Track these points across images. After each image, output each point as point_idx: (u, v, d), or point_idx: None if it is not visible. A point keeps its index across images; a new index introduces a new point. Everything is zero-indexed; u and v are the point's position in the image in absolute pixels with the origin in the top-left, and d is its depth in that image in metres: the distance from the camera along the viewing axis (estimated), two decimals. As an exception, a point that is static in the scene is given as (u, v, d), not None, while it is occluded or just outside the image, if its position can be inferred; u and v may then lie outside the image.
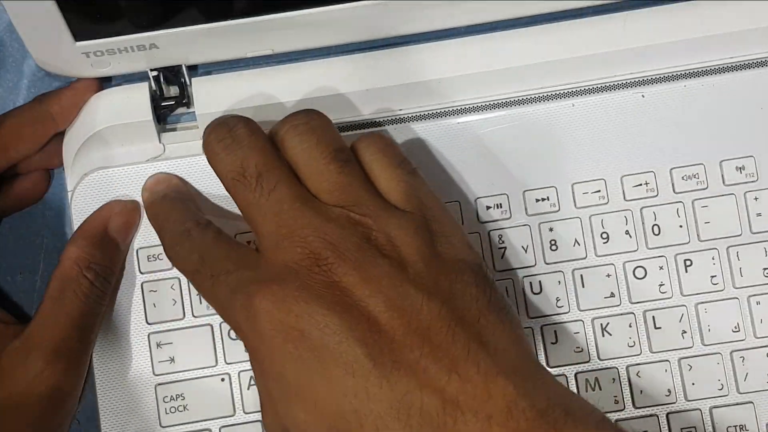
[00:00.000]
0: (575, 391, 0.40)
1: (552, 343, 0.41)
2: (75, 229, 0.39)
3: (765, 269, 0.41)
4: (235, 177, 0.35)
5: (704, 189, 0.41)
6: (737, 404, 0.41)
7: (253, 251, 0.35)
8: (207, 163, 0.37)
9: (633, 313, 0.41)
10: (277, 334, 0.32)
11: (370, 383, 0.31)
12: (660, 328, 0.41)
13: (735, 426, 0.40)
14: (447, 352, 0.31)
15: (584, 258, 0.41)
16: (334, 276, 0.32)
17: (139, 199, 0.41)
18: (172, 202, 0.39)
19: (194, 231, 0.36)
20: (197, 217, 0.37)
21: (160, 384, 0.41)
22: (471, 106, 0.42)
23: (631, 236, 0.41)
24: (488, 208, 0.41)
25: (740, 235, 0.41)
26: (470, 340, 0.32)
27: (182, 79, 0.41)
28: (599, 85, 0.42)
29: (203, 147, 0.37)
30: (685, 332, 0.41)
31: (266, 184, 0.34)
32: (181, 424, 0.40)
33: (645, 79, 0.42)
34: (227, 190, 0.36)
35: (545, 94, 0.42)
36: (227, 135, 0.36)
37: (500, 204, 0.41)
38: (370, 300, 0.32)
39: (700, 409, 0.41)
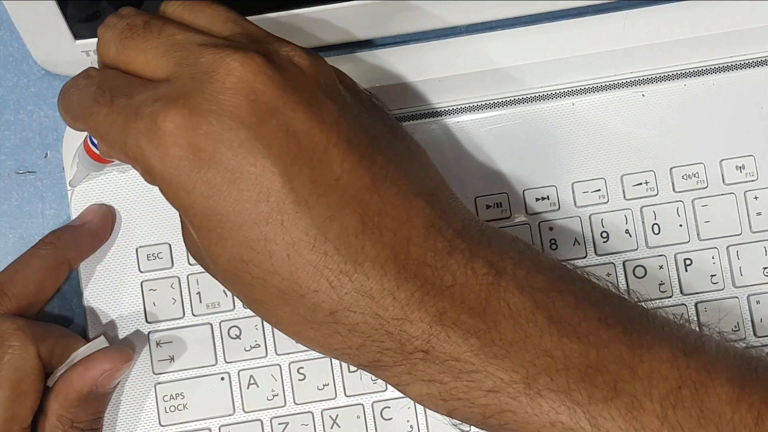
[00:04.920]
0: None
1: (552, 343, 0.41)
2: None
3: (765, 268, 0.41)
4: (124, 35, 0.32)
5: (704, 188, 0.41)
6: (737, 403, 0.40)
7: (157, 80, 0.32)
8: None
9: (633, 313, 0.41)
10: (184, 159, 0.30)
11: (285, 208, 0.29)
12: (660, 327, 0.41)
13: (735, 425, 0.40)
14: (368, 170, 0.31)
15: (584, 257, 0.41)
16: (246, 83, 0.30)
17: (140, 199, 0.41)
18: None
19: (92, 70, 0.34)
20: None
21: (159, 383, 0.41)
22: (471, 105, 0.42)
23: (630, 235, 0.41)
24: (488, 207, 0.41)
25: (740, 234, 0.41)
26: (388, 162, 0.31)
27: (182, 78, 0.41)
28: (599, 85, 0.42)
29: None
30: (685, 331, 0.41)
31: (154, 27, 0.32)
32: (181, 423, 0.40)
33: (645, 78, 0.42)
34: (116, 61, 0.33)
35: (545, 94, 0.42)
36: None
37: (500, 203, 0.41)
38: (288, 107, 0.30)
39: (700, 409, 0.40)
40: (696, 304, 0.41)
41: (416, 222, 0.31)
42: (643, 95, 0.42)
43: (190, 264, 0.41)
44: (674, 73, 0.42)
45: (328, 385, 0.41)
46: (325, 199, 0.30)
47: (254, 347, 0.41)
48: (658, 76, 0.42)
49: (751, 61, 0.42)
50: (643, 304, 0.33)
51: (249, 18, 0.38)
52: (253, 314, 0.40)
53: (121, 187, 0.41)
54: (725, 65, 0.42)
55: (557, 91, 0.42)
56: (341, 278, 0.30)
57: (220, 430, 0.40)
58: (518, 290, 0.31)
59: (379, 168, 0.31)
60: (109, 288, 0.41)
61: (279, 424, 0.40)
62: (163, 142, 0.30)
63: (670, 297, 0.41)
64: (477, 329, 0.30)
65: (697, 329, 0.33)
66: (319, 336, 0.31)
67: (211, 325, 0.41)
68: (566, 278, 0.32)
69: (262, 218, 0.30)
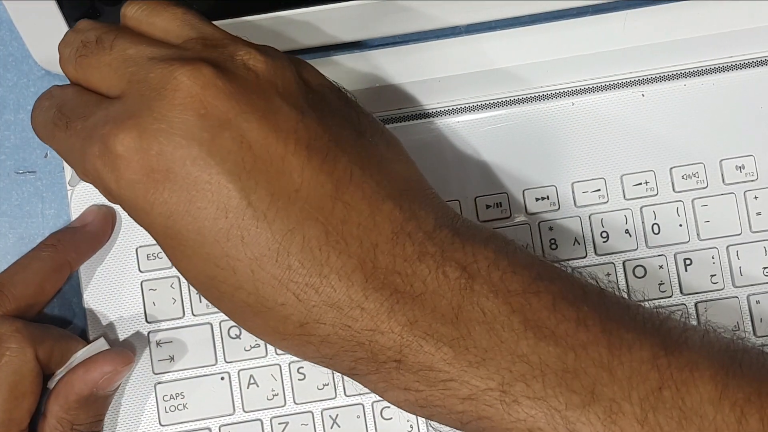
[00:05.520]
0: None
1: (552, 342, 0.41)
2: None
3: (765, 268, 0.41)
4: (79, 52, 0.32)
5: (704, 188, 0.41)
6: (737, 403, 0.40)
7: (112, 97, 0.31)
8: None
9: (633, 312, 0.41)
10: (138, 181, 0.29)
11: (244, 224, 0.29)
12: (660, 327, 0.41)
13: (735, 425, 0.40)
14: (330, 176, 0.30)
15: (584, 257, 0.41)
16: (194, 97, 0.29)
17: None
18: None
19: (55, 89, 0.34)
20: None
21: (159, 383, 0.41)
22: (470, 105, 0.42)
23: (630, 235, 0.41)
24: (488, 207, 0.41)
25: (740, 234, 0.41)
26: (352, 164, 0.30)
27: (182, 78, 0.41)
28: (599, 84, 0.42)
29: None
30: (684, 331, 0.41)
31: (106, 42, 0.31)
32: (181, 422, 0.40)
33: (645, 78, 0.42)
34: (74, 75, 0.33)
35: (545, 93, 0.42)
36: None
37: (500, 203, 0.41)
38: (241, 118, 0.29)
39: (700, 409, 0.40)
40: (696, 304, 0.41)
41: (384, 227, 0.30)
42: (643, 95, 0.42)
43: (190, 264, 0.41)
44: (674, 73, 0.42)
45: (327, 384, 0.41)
46: (285, 213, 0.29)
47: (254, 347, 0.41)
48: (658, 76, 0.42)
49: (751, 61, 0.42)
50: (641, 303, 0.33)
51: (248, 18, 0.38)
52: (253, 314, 0.41)
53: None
54: (725, 65, 0.42)
55: (557, 91, 0.42)
56: (308, 291, 0.29)
57: (220, 429, 0.40)
58: (493, 294, 0.30)
59: (343, 172, 0.30)
60: (109, 288, 0.41)
61: (279, 423, 0.40)
62: (117, 166, 0.29)
63: (670, 297, 0.41)
64: (450, 337, 0.29)
65: (694, 322, 0.33)
66: (293, 345, 0.31)
67: (210, 324, 0.41)
68: (544, 277, 0.31)
69: (222, 235, 0.29)
